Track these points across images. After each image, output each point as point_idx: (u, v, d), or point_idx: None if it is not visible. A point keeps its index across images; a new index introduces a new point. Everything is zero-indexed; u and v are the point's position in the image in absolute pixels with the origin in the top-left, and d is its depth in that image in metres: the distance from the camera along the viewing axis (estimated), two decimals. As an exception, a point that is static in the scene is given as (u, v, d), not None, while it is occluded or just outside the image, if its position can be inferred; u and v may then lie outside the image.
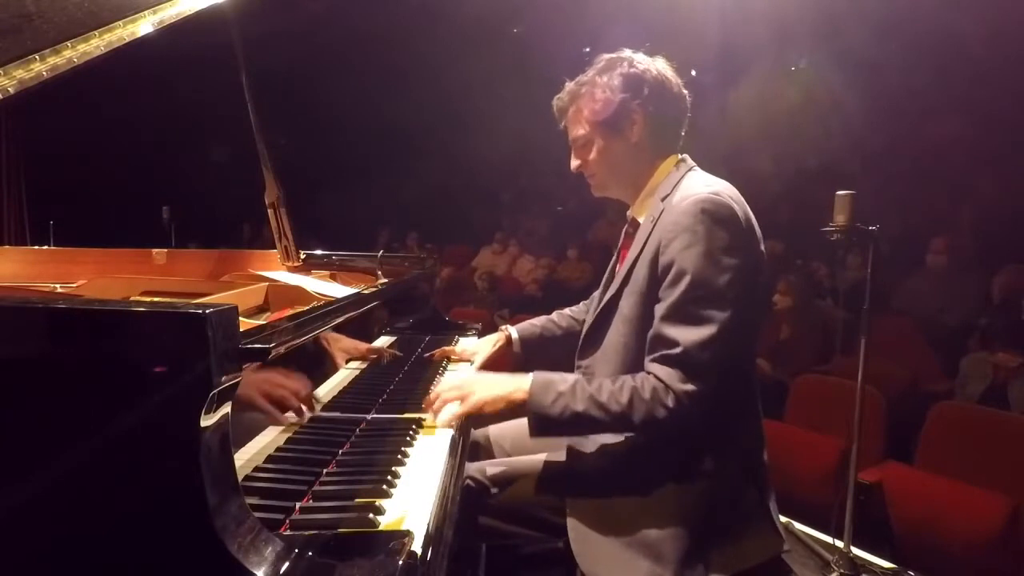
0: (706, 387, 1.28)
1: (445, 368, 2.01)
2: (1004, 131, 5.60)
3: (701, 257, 1.30)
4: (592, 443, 1.50)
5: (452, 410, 1.43)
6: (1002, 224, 5.08)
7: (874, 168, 6.22)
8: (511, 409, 1.40)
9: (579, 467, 1.50)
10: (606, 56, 1.52)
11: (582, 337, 1.60)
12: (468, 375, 1.66)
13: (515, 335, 1.91)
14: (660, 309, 1.34)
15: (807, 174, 6.08)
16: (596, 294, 1.70)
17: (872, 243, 2.60)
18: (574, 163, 1.58)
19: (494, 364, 1.86)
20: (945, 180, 5.89)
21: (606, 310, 1.51)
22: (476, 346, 1.99)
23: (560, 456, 1.54)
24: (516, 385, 1.39)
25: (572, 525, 1.41)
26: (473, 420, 1.56)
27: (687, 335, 1.29)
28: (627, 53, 1.51)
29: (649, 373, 1.33)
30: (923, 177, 6.02)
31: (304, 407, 1.34)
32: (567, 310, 1.97)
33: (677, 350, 1.30)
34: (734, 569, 1.32)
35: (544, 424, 1.36)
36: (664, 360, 1.31)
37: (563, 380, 1.37)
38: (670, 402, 1.28)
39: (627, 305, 1.44)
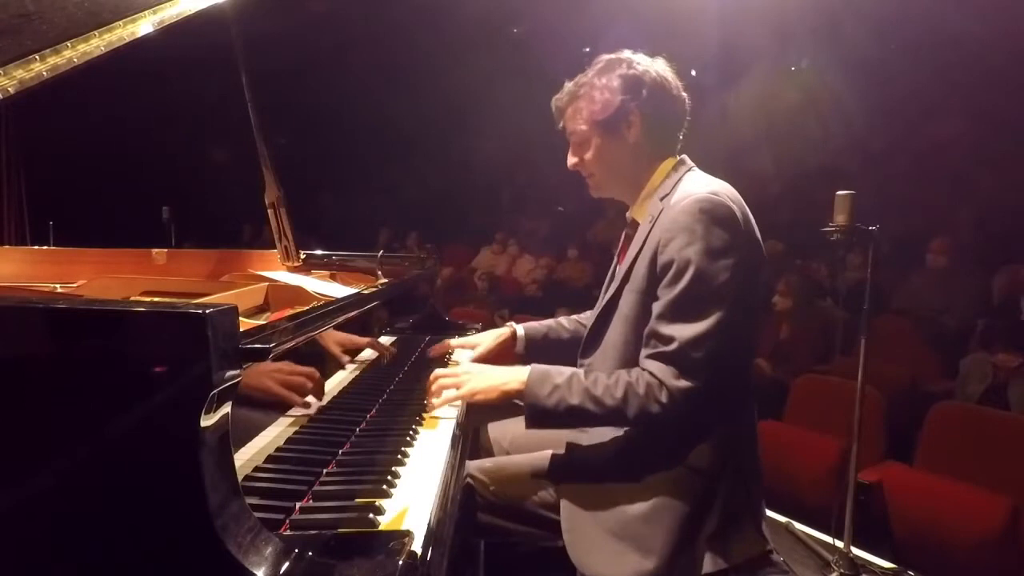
0: (700, 384, 1.29)
1: (448, 364, 2.00)
2: (1004, 131, 5.61)
3: (699, 256, 1.30)
4: (587, 436, 1.51)
5: (448, 395, 1.48)
6: (1002, 224, 5.09)
7: (874, 168, 6.22)
8: (506, 399, 1.43)
9: (574, 459, 1.50)
10: (605, 57, 1.52)
11: (585, 336, 1.60)
12: (467, 364, 1.67)
13: (520, 332, 1.89)
14: (657, 307, 1.35)
15: (807, 174, 6.08)
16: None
17: (872, 243, 2.60)
18: (571, 160, 1.58)
19: (494, 359, 1.83)
20: (945, 180, 5.89)
21: (607, 309, 1.51)
22: (479, 338, 1.98)
23: (558, 451, 1.55)
24: (513, 376, 1.43)
25: (565, 516, 1.43)
26: (473, 414, 1.57)
27: (682, 332, 1.30)
28: (627, 54, 1.51)
29: (644, 369, 1.34)
30: (923, 177, 6.02)
31: (314, 397, 1.38)
32: (575, 316, 1.95)
33: (672, 347, 1.31)
34: (718, 566, 1.32)
35: (539, 416, 1.39)
36: (659, 356, 1.33)
37: (559, 373, 1.39)
38: (664, 398, 1.30)
39: (626, 304, 1.44)
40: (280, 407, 1.31)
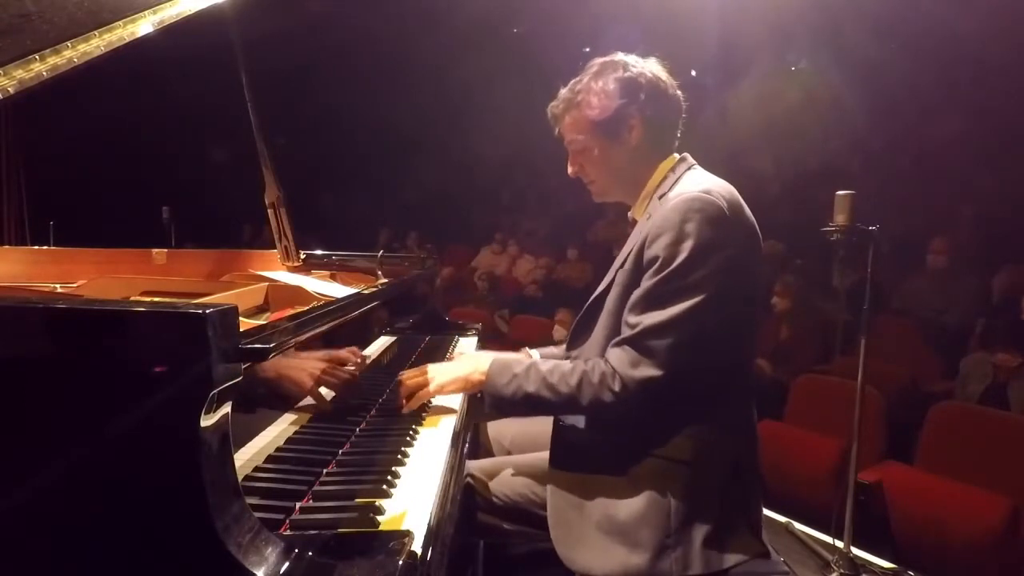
0: (659, 373, 1.29)
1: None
2: (1004, 131, 5.61)
3: (683, 252, 1.30)
4: (578, 426, 1.50)
5: (421, 395, 1.52)
6: (1002, 224, 5.09)
7: (874, 168, 6.22)
8: (472, 389, 1.50)
9: (564, 448, 1.50)
10: (599, 60, 1.51)
11: (571, 329, 1.60)
12: (431, 364, 1.67)
13: (537, 358, 1.85)
14: (632, 297, 1.37)
15: (807, 174, 6.08)
16: None
17: (872, 243, 2.60)
18: (571, 169, 1.57)
19: None
20: (945, 180, 5.89)
21: (595, 303, 1.51)
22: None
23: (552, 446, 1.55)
24: (475, 367, 1.48)
25: (551, 511, 1.43)
26: (473, 412, 1.57)
27: (647, 319, 1.32)
28: (620, 57, 1.49)
29: (603, 358, 1.36)
30: (923, 177, 6.02)
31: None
32: None
33: (634, 332, 1.32)
34: (710, 567, 1.31)
35: (498, 404, 1.44)
36: (620, 343, 1.34)
37: (519, 363, 1.43)
38: (616, 387, 1.31)
39: (612, 298, 1.45)
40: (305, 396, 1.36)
